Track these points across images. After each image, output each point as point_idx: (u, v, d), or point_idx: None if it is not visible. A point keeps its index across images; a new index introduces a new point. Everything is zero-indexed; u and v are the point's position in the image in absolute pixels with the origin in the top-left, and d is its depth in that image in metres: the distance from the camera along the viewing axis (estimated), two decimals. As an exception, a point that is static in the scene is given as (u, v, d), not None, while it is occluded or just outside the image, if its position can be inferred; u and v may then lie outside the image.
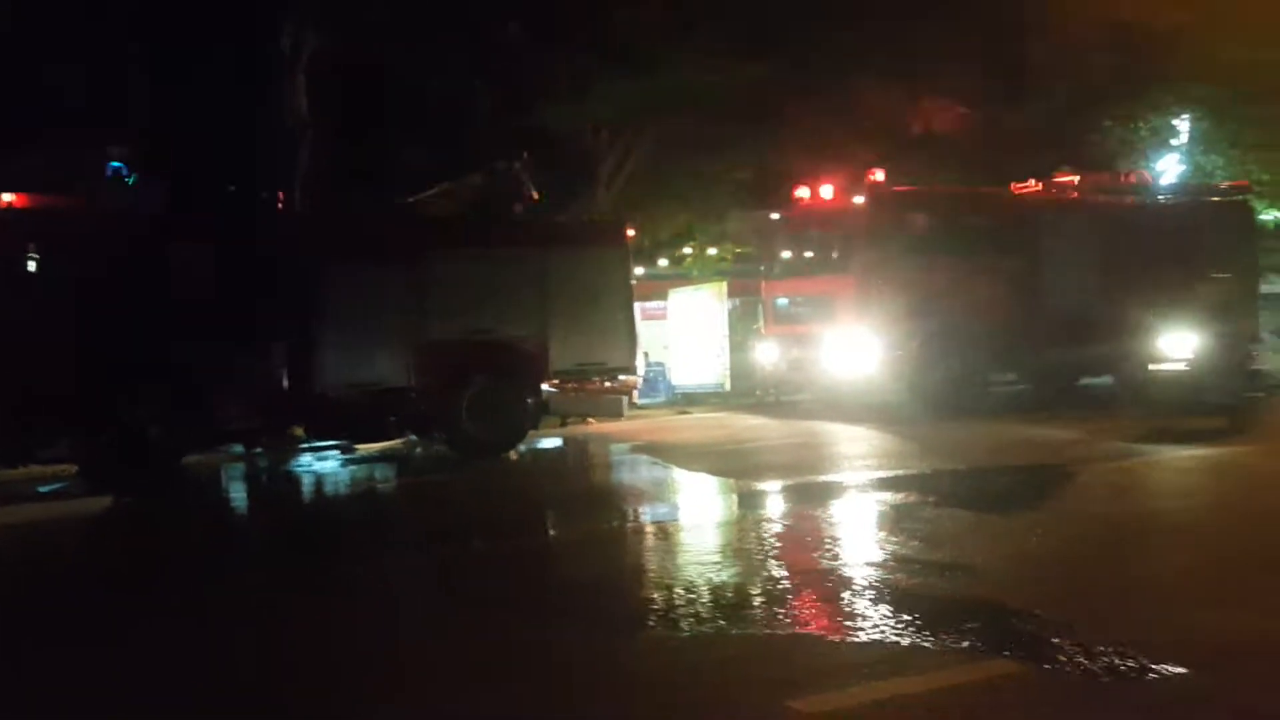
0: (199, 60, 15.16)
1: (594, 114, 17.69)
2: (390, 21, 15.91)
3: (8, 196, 10.07)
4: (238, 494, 11.36)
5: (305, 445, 12.40)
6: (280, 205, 13.26)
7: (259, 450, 12.14)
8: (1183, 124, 20.94)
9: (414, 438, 12.64)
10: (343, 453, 12.42)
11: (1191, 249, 15.08)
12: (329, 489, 10.92)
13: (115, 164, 11.54)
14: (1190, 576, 5.51)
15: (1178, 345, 13.33)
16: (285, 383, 10.98)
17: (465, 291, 11.60)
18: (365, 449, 12.44)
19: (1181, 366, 13.24)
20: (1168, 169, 20.59)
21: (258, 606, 5.78)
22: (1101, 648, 4.28)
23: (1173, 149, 20.99)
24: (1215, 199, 16.59)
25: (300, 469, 11.85)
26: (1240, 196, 16.50)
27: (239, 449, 12.02)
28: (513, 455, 11.82)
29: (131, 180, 11.44)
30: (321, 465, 11.96)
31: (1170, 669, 4.07)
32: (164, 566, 7.10)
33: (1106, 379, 15.13)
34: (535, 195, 16.89)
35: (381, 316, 11.28)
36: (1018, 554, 6.16)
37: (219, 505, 10.42)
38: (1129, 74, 19.40)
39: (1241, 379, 13.42)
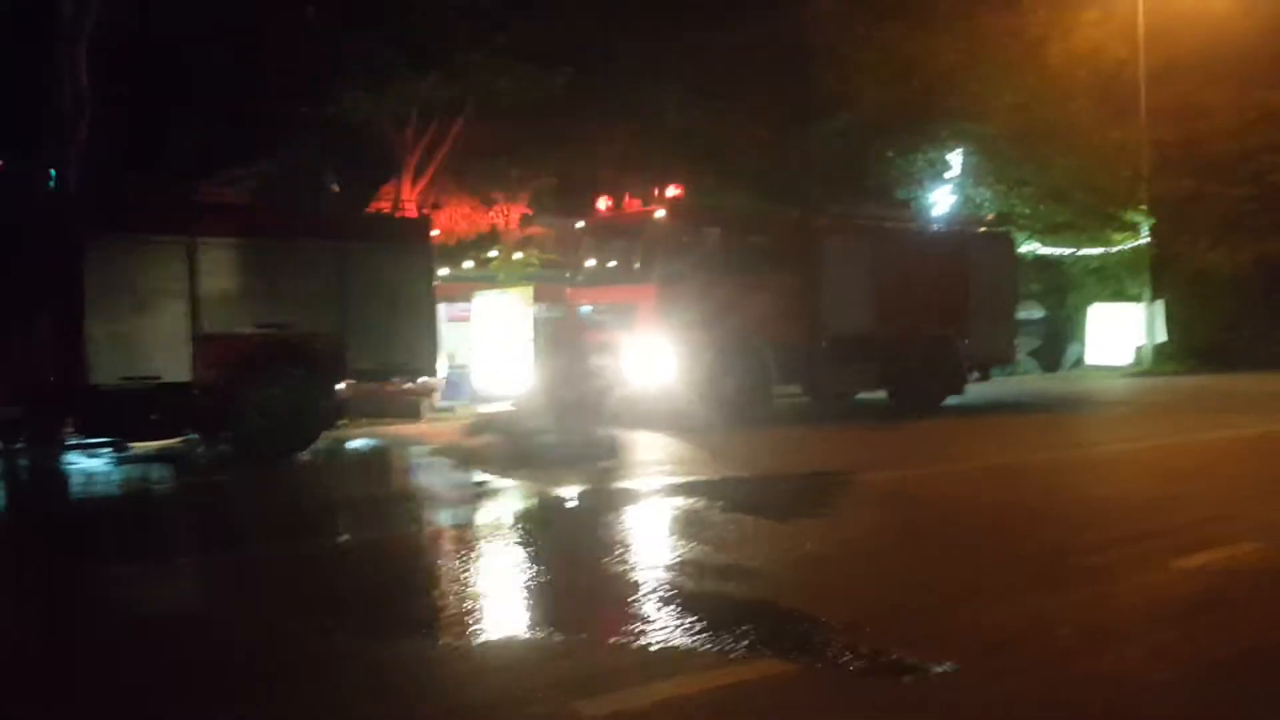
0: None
1: (394, 108, 17.38)
2: None
3: None
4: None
5: (74, 442, 11.55)
6: (51, 183, 12.32)
7: (20, 445, 11.23)
8: (956, 158, 22.70)
9: (195, 437, 12.01)
10: (116, 450, 11.64)
11: (958, 275, 16.46)
12: (95, 489, 10.15)
13: None
14: (958, 577, 5.99)
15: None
16: (52, 374, 10.20)
17: (254, 283, 11.11)
18: (141, 447, 11.71)
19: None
20: (940, 200, 22.27)
21: None
22: (873, 645, 4.61)
23: (946, 181, 22.72)
24: (980, 230, 18.18)
25: (65, 467, 11.02)
26: (1003, 229, 18.15)
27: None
28: (304, 457, 11.43)
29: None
30: (90, 463, 11.16)
31: (937, 663, 4.44)
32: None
33: (883, 394, 16.23)
34: (335, 186, 16.40)
35: (159, 305, 10.64)
36: (798, 558, 6.53)
37: None
38: (910, 108, 20.82)
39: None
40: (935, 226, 18.63)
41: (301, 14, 16.55)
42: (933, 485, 9.39)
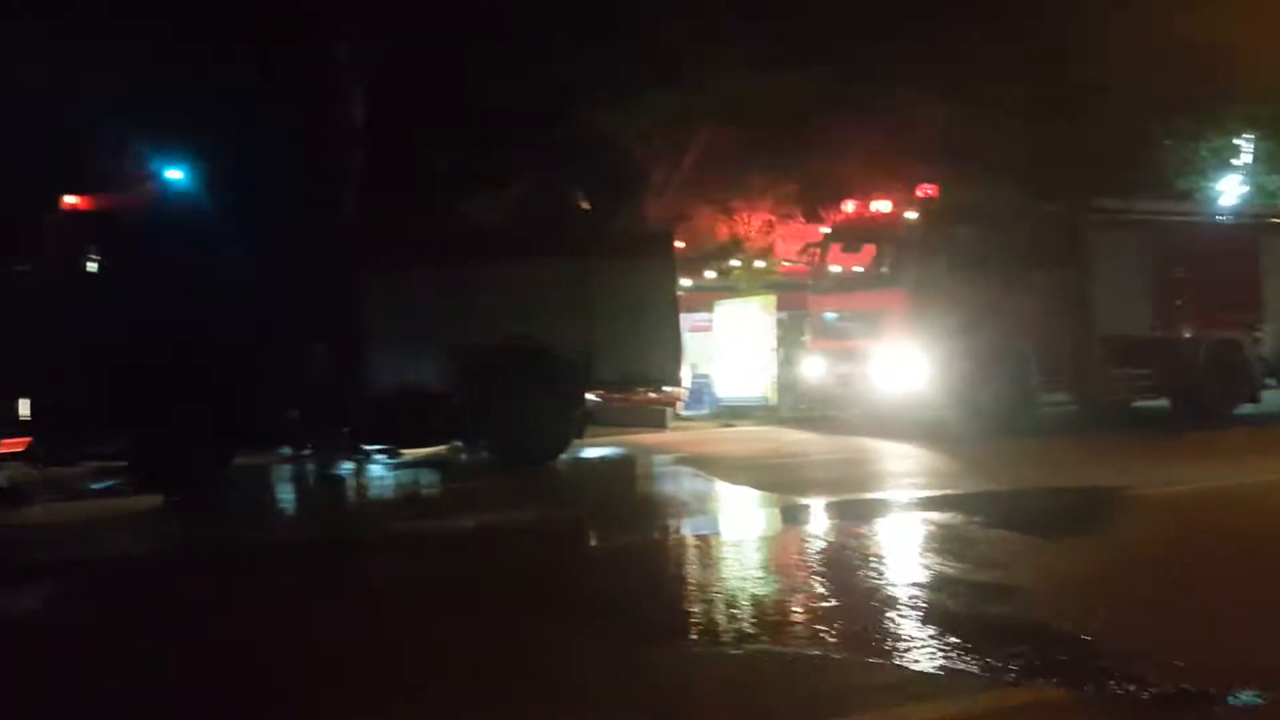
0: (256, 68, 15.46)
1: (639, 123, 17.73)
2: (440, 28, 16.08)
3: (70, 199, 10.33)
4: (284, 494, 11.48)
5: (352, 449, 12.50)
6: (326, 210, 13.44)
7: (307, 453, 12.28)
8: (1244, 144, 20.51)
9: (459, 444, 12.70)
10: (389, 457, 12.51)
11: (1248, 272, 14.80)
12: (372, 491, 11.01)
13: (173, 166, 11.76)
14: (1245, 603, 5.33)
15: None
16: (333, 387, 11.09)
17: (510, 299, 11.63)
18: (411, 454, 12.52)
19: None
20: (1228, 190, 20.18)
21: (286, 600, 5.83)
22: (1156, 673, 4.16)
23: (1233, 169, 20.56)
24: (1275, 220, 16.24)
25: (345, 472, 11.95)
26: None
27: (288, 452, 12.17)
28: (556, 464, 11.82)
29: (190, 184, 11.64)
30: (367, 469, 12.05)
31: (1235, 694, 3.94)
32: (198, 561, 7.20)
33: (1162, 402, 14.84)
34: (584, 204, 16.94)
35: (426, 322, 11.34)
36: (1066, 577, 6.03)
37: (263, 504, 10.55)
38: (1189, 91, 19.02)
39: None
40: (1222, 218, 16.80)
41: (549, 36, 17.21)
42: (1215, 503, 8.43)
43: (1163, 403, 14.83)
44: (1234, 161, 20.47)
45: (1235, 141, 20.39)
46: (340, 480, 11.68)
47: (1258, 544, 6.78)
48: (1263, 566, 6.18)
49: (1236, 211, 17.74)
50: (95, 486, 10.92)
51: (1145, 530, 7.50)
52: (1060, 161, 17.72)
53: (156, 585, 6.59)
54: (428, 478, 11.70)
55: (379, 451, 12.46)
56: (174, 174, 11.36)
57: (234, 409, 10.47)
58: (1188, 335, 14.33)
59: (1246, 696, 3.91)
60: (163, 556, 7.86)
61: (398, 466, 12.13)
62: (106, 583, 6.81)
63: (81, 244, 10.35)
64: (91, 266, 10.38)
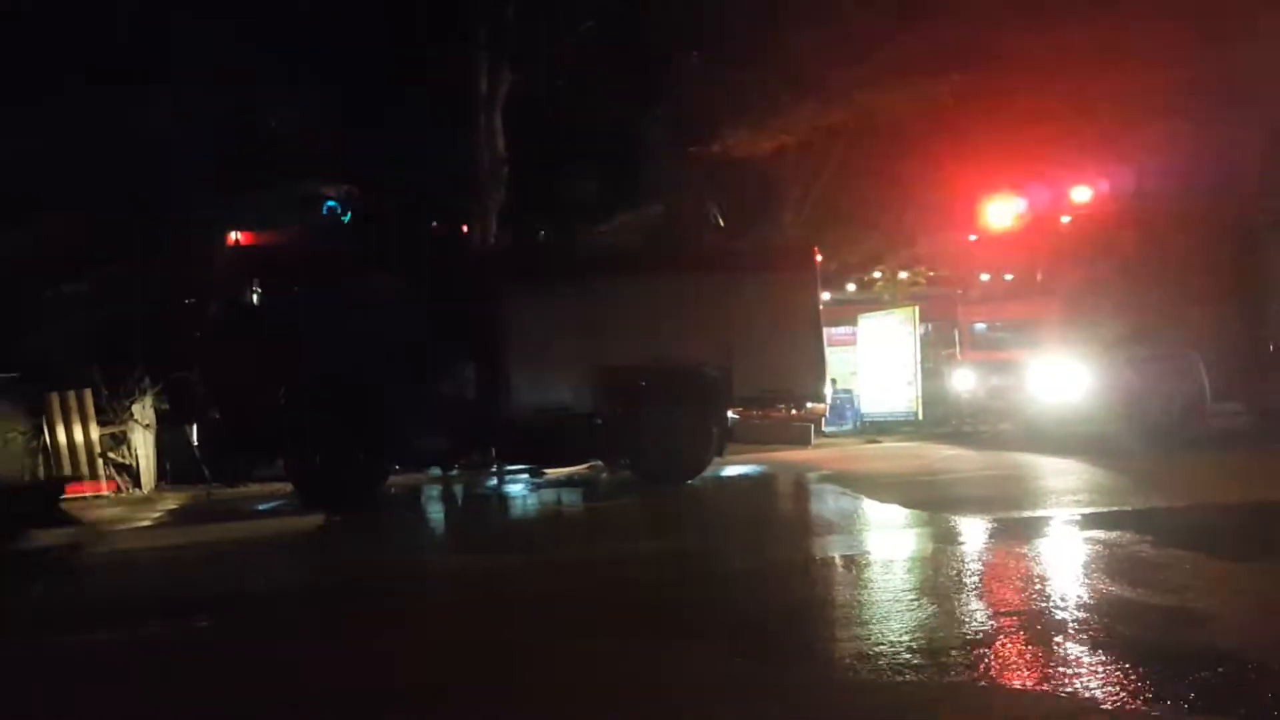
0: (403, 102, 16.06)
1: (774, 139, 17.53)
2: (578, 55, 16.31)
3: (235, 235, 10.94)
4: (434, 512, 11.78)
5: (497, 469, 12.76)
6: (465, 236, 13.78)
7: (454, 472, 12.59)
8: None
9: (599, 463, 12.78)
10: (532, 476, 12.70)
11: None
12: (515, 509, 11.20)
13: (330, 203, 12.33)
14: None
15: None
16: (478, 408, 11.34)
17: (648, 317, 11.64)
18: (553, 473, 12.67)
19: None
20: None
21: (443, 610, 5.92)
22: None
23: None
24: None
25: (490, 491, 12.18)
26: None
27: (437, 471, 12.52)
28: (697, 483, 11.73)
29: (346, 218, 12.19)
30: (511, 488, 12.26)
31: None
32: (358, 576, 7.42)
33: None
34: (720, 221, 16.88)
35: (566, 343, 11.48)
36: (1252, 601, 5.54)
37: (415, 521, 10.86)
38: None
39: None
40: None
41: (685, 59, 17.25)
42: None
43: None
44: None
45: None
46: (486, 499, 11.91)
47: None
48: None
49: None
50: (261, 508, 11.49)
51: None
52: (1224, 156, 16.56)
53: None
54: (569, 497, 11.80)
55: (523, 471, 12.69)
56: (332, 208, 11.92)
57: (382, 430, 10.84)
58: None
59: None
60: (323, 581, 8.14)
61: (540, 485, 12.30)
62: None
63: (246, 277, 10.93)
64: (254, 299, 10.96)
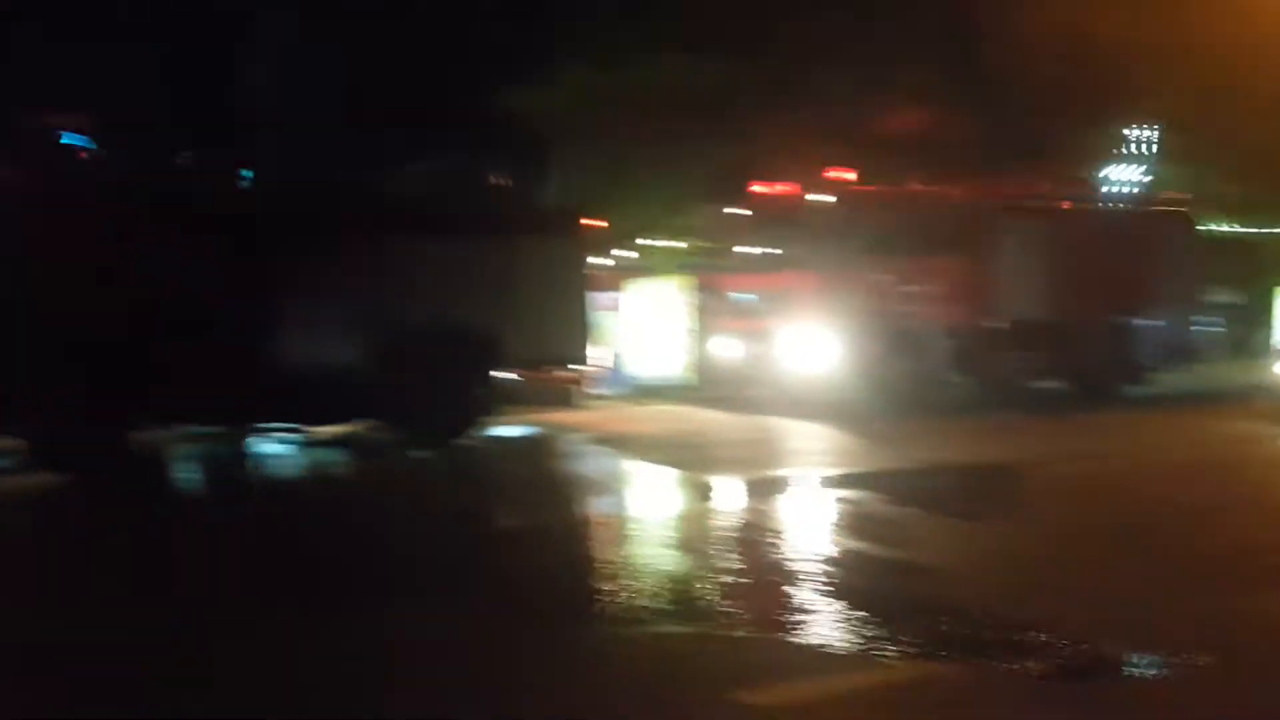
0: (170, 40, 14.81)
1: (556, 102, 17.52)
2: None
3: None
4: (187, 474, 11.10)
5: (257, 427, 12.14)
6: (235, 180, 12.96)
7: (210, 431, 11.90)
8: (1139, 133, 21.25)
9: (366, 422, 12.44)
10: (293, 435, 12.19)
11: (1137, 257, 15.45)
12: (270, 471, 10.70)
13: (70, 135, 11.25)
14: (1140, 576, 5.54)
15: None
16: (233, 362, 10.73)
17: (416, 274, 11.36)
18: (315, 433, 12.22)
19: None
20: (1122, 178, 20.91)
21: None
22: (1056, 646, 4.29)
23: (1128, 158, 21.30)
24: (1161, 208, 16.94)
25: (245, 451, 11.60)
26: (1184, 207, 16.90)
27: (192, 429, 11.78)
28: (464, 443, 11.68)
29: (87, 152, 11.15)
30: (268, 448, 11.72)
31: (1130, 665, 4.08)
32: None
33: (1057, 383, 15.38)
34: (498, 181, 16.68)
35: (333, 297, 11.03)
36: (970, 553, 6.19)
37: (166, 484, 10.20)
38: (1086, 82, 19.59)
39: None
40: (1114, 205, 17.49)
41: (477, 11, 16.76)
42: (1109, 479, 8.80)
43: (1059, 385, 15.38)
44: (1136, 152, 21.22)
45: (1138, 132, 21.10)
46: (239, 460, 11.34)
47: (1149, 519, 7.06)
48: (1154, 539, 6.43)
49: (1132, 199, 18.44)
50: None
51: (1044, 505, 7.76)
52: (966, 148, 18.12)
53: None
54: (329, 457, 11.43)
55: (284, 429, 12.14)
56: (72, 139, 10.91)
57: (127, 384, 10.08)
58: (1081, 319, 14.89)
59: (1143, 664, 4.06)
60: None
61: (303, 445, 11.83)
62: None
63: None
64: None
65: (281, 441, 11.91)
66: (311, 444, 11.85)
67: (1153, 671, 4.19)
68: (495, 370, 12.01)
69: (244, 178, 13.16)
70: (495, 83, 16.62)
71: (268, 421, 11.77)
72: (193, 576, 5.83)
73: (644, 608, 5.08)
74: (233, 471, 11.05)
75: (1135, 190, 19.91)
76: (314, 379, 10.87)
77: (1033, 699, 3.90)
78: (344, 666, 4.39)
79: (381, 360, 11.19)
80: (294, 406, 11.24)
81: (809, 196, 13.97)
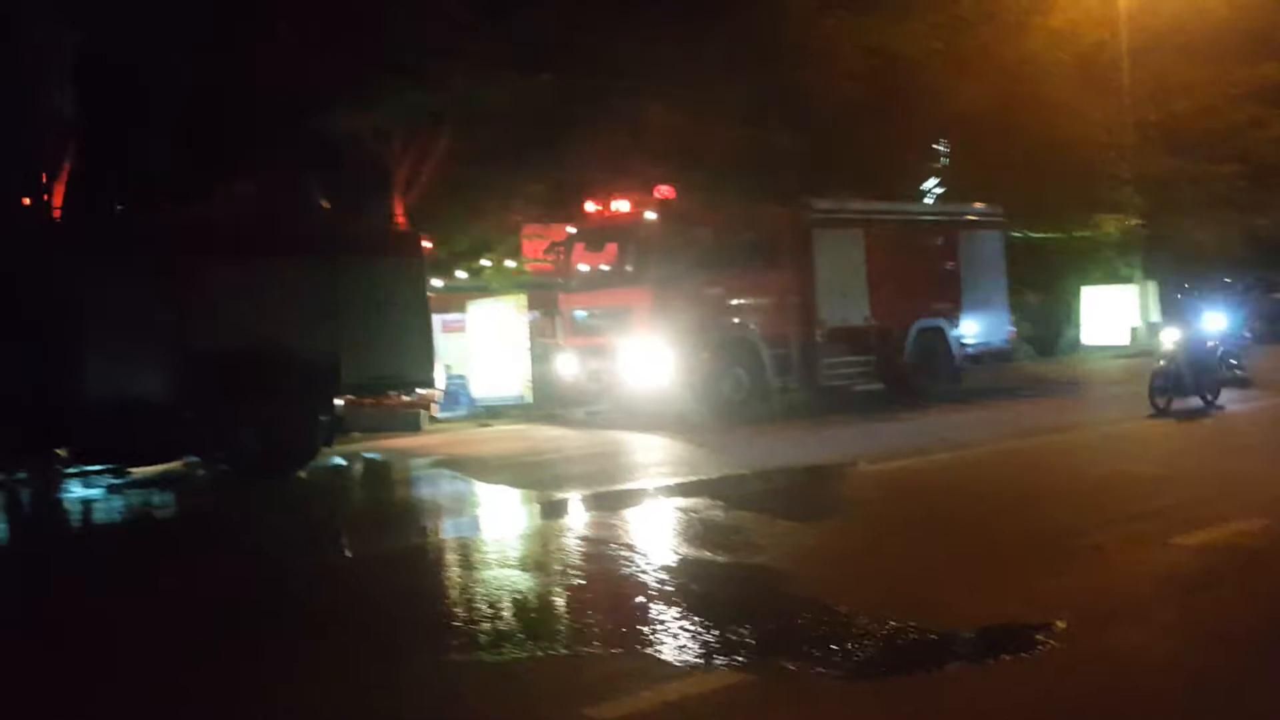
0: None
1: (377, 121, 17.27)
2: (154, 20, 14.94)
3: None
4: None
5: (72, 469, 11.47)
6: (28, 208, 12.30)
7: (18, 476, 11.18)
8: (941, 147, 22.73)
9: (195, 459, 11.95)
10: (115, 476, 11.57)
11: (948, 263, 16.54)
12: (101, 516, 10.11)
13: None
14: (961, 562, 5.99)
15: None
16: (42, 400, 10.14)
17: (245, 301, 11.01)
18: (140, 473, 11.64)
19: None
20: (927, 188, 22.32)
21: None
22: (882, 638, 4.64)
23: (932, 169, 22.75)
24: (969, 217, 18.15)
25: (60, 495, 10.95)
26: (992, 215, 18.13)
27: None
28: (303, 474, 11.38)
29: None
30: (90, 491, 11.09)
31: (947, 650, 4.43)
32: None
33: (878, 385, 16.25)
34: (323, 202, 16.33)
35: (151, 327, 10.56)
36: (803, 552, 6.53)
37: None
38: (889, 97, 20.73)
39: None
40: (924, 215, 18.66)
41: (272, 31, 16.28)
42: (933, 473, 9.42)
43: (881, 387, 16.25)
44: (932, 164, 22.66)
45: (935, 147, 22.54)
46: (52, 505, 10.69)
47: (960, 510, 7.61)
48: (972, 529, 6.95)
49: (938, 210, 19.71)
50: None
51: (868, 502, 8.26)
52: (781, 163, 18.92)
53: None
54: (155, 499, 10.91)
55: (104, 471, 11.51)
56: None
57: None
58: (898, 324, 15.83)
59: (960, 653, 4.46)
60: None
61: (126, 486, 11.26)
62: None
63: None
64: None
65: (103, 484, 11.32)
66: (137, 485, 11.30)
67: (971, 652, 4.57)
68: (334, 397, 11.74)
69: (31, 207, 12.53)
70: (326, 103, 16.28)
71: (78, 463, 11.15)
72: None
73: (491, 631, 5.16)
74: (36, 519, 10.42)
75: (944, 200, 21.30)
76: (128, 415, 10.36)
77: (860, 692, 4.20)
78: (182, 712, 4.32)
79: (209, 390, 10.75)
80: (106, 445, 10.69)
81: (638, 214, 14.31)
